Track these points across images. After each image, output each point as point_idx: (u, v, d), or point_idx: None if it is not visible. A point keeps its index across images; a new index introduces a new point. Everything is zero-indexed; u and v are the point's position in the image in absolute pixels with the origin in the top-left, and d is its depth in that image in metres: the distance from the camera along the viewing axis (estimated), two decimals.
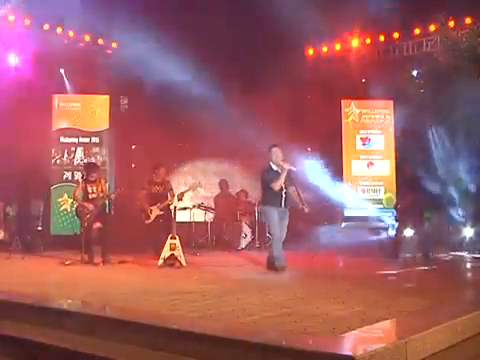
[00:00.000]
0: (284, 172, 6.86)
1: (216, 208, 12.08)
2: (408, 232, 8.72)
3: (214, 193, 12.50)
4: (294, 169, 6.94)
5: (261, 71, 11.50)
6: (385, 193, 11.33)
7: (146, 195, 8.97)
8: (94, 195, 8.29)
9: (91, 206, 8.18)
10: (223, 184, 12.34)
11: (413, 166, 9.30)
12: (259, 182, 7.31)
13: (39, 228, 11.07)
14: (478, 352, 3.69)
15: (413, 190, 8.57)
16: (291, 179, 7.02)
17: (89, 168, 8.74)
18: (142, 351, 3.54)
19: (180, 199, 8.44)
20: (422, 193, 8.56)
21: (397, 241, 8.70)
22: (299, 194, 7.05)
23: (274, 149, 7.05)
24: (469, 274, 7.79)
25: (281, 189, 6.91)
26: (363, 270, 7.27)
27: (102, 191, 8.38)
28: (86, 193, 8.30)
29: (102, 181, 8.61)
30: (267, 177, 7.02)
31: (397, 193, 9.08)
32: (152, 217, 8.73)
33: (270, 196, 6.98)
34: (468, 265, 8.42)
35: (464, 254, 9.14)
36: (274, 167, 7.01)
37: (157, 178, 8.95)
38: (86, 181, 8.47)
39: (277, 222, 6.91)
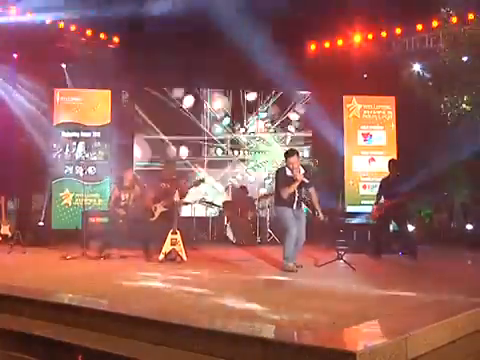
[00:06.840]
0: (295, 183, 6.76)
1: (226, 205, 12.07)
2: (393, 230, 8.65)
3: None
4: (307, 181, 6.83)
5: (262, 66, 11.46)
6: None
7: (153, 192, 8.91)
8: (125, 202, 8.53)
9: (122, 212, 8.39)
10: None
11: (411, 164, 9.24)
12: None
13: (41, 223, 11.10)
14: (478, 348, 3.69)
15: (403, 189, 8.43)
16: (306, 185, 6.92)
17: (124, 175, 8.83)
18: (142, 345, 3.55)
19: (183, 196, 8.39)
20: (412, 192, 8.45)
21: (379, 239, 8.61)
22: (313, 202, 7.01)
23: (291, 159, 6.81)
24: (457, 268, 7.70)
25: (294, 193, 6.84)
26: (362, 266, 7.25)
27: (134, 199, 8.54)
28: (119, 200, 8.56)
29: (136, 188, 8.68)
30: (280, 181, 6.92)
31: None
32: (156, 214, 8.67)
33: (283, 197, 6.88)
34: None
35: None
36: (289, 172, 6.89)
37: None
38: (120, 188, 8.66)
39: (293, 220, 6.79)
